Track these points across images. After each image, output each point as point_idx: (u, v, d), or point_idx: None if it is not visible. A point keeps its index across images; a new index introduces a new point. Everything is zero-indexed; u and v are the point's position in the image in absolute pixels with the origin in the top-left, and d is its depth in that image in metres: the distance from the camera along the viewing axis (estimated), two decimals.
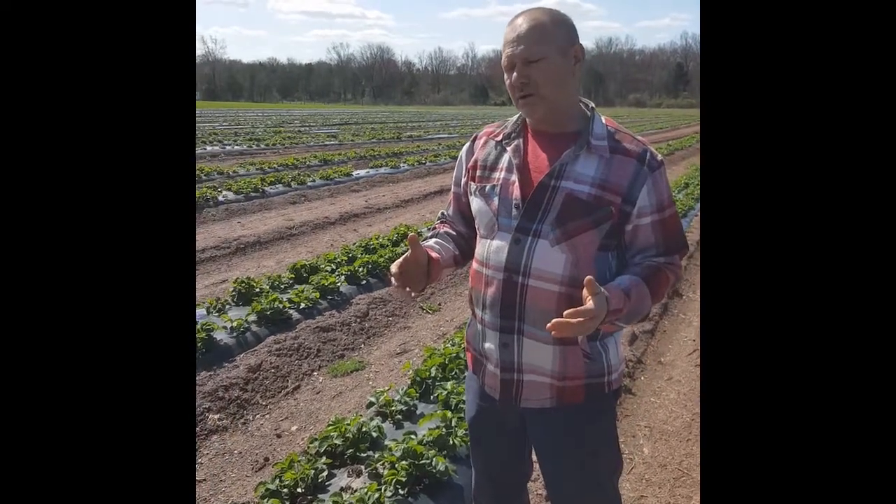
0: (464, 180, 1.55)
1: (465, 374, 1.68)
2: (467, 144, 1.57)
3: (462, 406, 2.81)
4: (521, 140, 1.43)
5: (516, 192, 1.38)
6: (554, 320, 1.19)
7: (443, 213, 1.67)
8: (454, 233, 1.60)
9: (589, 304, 1.19)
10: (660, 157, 1.38)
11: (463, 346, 3.48)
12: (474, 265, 1.48)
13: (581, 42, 1.38)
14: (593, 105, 1.44)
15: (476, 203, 1.47)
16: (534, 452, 1.58)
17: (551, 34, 1.33)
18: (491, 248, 1.41)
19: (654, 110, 74.01)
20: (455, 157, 15.32)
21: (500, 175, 1.42)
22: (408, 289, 1.39)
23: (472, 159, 1.51)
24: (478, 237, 1.49)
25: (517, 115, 1.48)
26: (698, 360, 3.97)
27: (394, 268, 1.38)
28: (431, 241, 1.54)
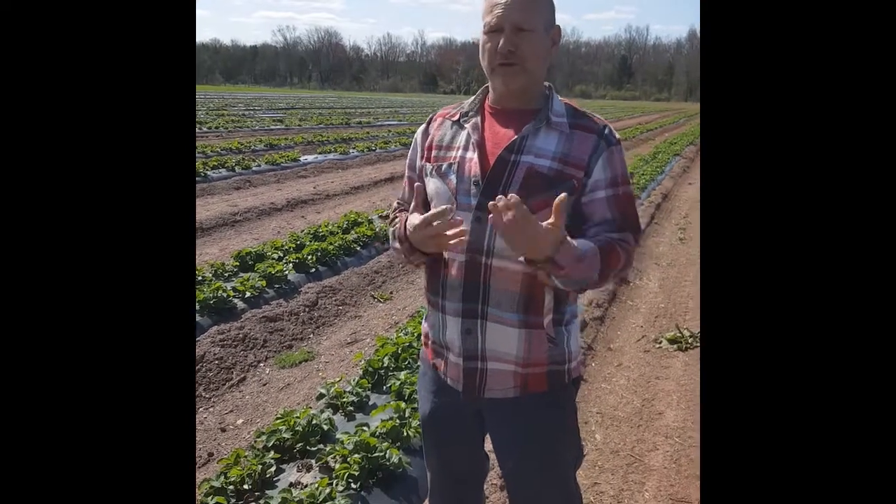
0: (419, 163, 1.48)
1: (419, 369, 1.61)
2: (422, 127, 1.50)
3: (416, 396, 2.75)
4: (478, 118, 1.39)
5: (475, 168, 1.33)
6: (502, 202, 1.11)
7: (399, 201, 1.59)
8: None
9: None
10: (617, 135, 1.37)
11: (416, 334, 3.43)
12: None
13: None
14: (550, 85, 1.41)
15: (433, 183, 1.40)
16: (492, 447, 1.53)
17: (541, 7, 1.31)
18: None
19: (598, 101, 75.22)
20: (406, 145, 15.14)
21: (457, 153, 1.38)
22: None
23: (428, 140, 1.45)
24: None
25: (474, 96, 1.44)
26: (646, 347, 4.04)
27: (418, 220, 1.27)
28: None
